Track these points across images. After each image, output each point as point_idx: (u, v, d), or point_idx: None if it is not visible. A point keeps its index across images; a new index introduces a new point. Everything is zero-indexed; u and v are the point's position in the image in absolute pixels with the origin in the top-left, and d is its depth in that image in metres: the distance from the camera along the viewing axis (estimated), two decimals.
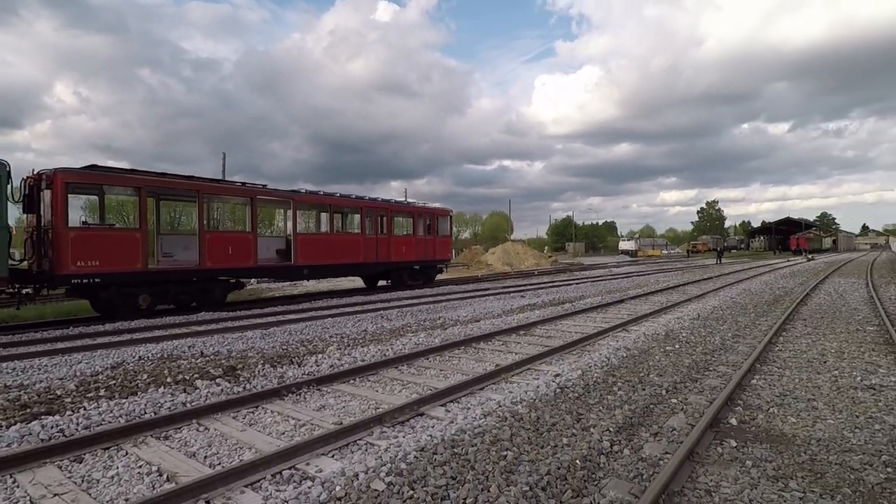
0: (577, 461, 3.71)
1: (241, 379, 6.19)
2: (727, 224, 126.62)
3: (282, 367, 6.75)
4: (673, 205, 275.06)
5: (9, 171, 9.83)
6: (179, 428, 4.62)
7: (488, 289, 18.68)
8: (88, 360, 7.25)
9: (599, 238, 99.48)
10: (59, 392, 5.65)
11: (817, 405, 5.03)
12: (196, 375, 6.31)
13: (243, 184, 14.75)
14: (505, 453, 3.80)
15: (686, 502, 3.24)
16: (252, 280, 18.87)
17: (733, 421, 4.62)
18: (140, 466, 3.83)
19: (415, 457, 3.71)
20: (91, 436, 4.23)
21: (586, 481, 3.47)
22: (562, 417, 4.60)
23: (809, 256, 53.18)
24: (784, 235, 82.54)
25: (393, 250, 18.75)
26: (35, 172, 10.78)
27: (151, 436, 4.41)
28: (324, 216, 17.96)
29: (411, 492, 3.23)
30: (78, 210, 12.24)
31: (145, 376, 6.31)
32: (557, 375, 6.04)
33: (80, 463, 3.91)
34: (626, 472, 3.61)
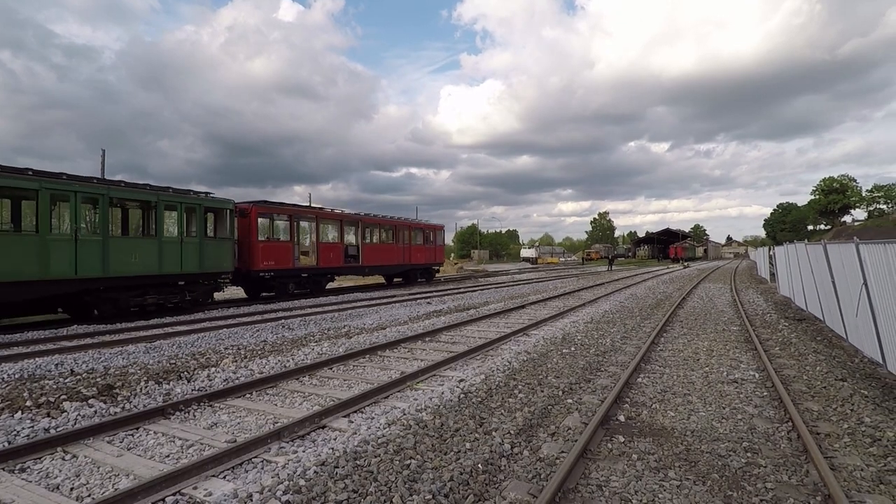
0: (480, 465, 3.78)
1: (119, 398, 5.60)
2: (617, 234, 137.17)
3: (168, 384, 6.20)
4: (569, 215, 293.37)
5: (234, 206, 15.64)
6: (40, 458, 4.06)
7: (395, 296, 18.61)
8: None
9: (503, 246, 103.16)
10: None
11: (692, 399, 5.57)
12: (63, 397, 5.60)
13: (333, 210, 21.53)
14: (409, 462, 3.77)
15: (580, 499, 3.41)
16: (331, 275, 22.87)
17: (622, 418, 4.97)
18: None
19: (315, 472, 3.57)
20: None
21: (488, 485, 3.54)
22: (465, 422, 4.67)
23: (685, 264, 59.11)
24: (665, 245, 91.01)
25: (413, 256, 26.05)
26: (236, 206, 15.90)
27: (3, 469, 3.83)
28: (376, 231, 23.80)
29: None
30: (262, 226, 17.20)
31: None
32: (462, 381, 6.14)
33: None
34: (526, 472, 3.74)
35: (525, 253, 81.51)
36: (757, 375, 6.59)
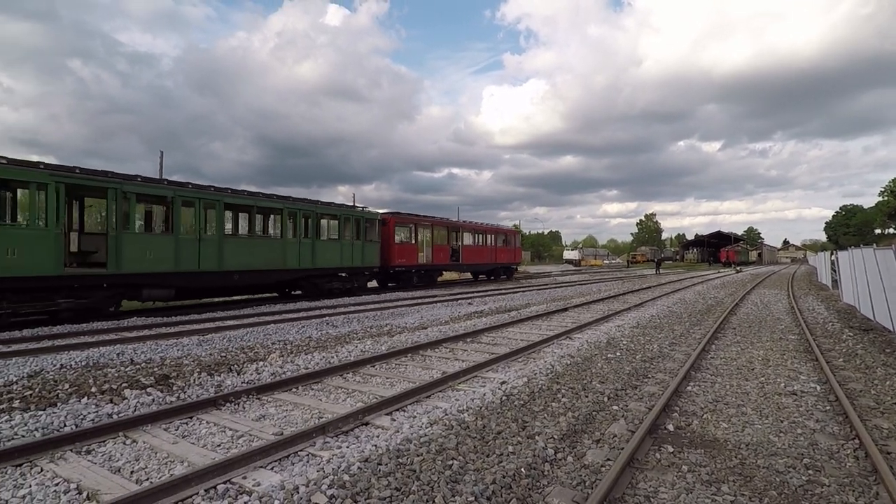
0: (522, 469, 3.73)
1: (174, 388, 5.86)
2: (664, 236, 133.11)
3: (220, 376, 6.44)
4: (614, 216, 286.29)
5: (380, 217, 20.95)
6: (104, 441, 4.30)
7: (436, 296, 18.68)
8: (1, 369, 6.64)
9: (545, 247, 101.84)
10: None
11: (746, 411, 5.32)
12: (125, 385, 5.91)
13: (442, 218, 26.76)
14: (451, 462, 3.77)
15: None
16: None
17: (670, 427, 4.80)
18: (57, 484, 3.52)
19: (358, 468, 3.61)
20: (0, 451, 3.85)
21: (531, 489, 3.49)
22: (507, 425, 4.63)
23: (738, 268, 56.64)
24: (715, 248, 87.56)
25: (498, 256, 30.79)
26: (380, 216, 21.03)
27: (71, 450, 4.08)
28: (471, 235, 28.32)
29: None
30: (399, 233, 22.39)
31: (67, 386, 5.84)
32: (503, 383, 6.09)
33: None
34: (570, 479, 3.66)
35: (568, 255, 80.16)
36: (818, 388, 6.22)
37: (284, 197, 16.55)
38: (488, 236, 29.86)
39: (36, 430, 4.46)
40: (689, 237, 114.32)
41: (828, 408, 5.45)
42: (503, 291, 20.89)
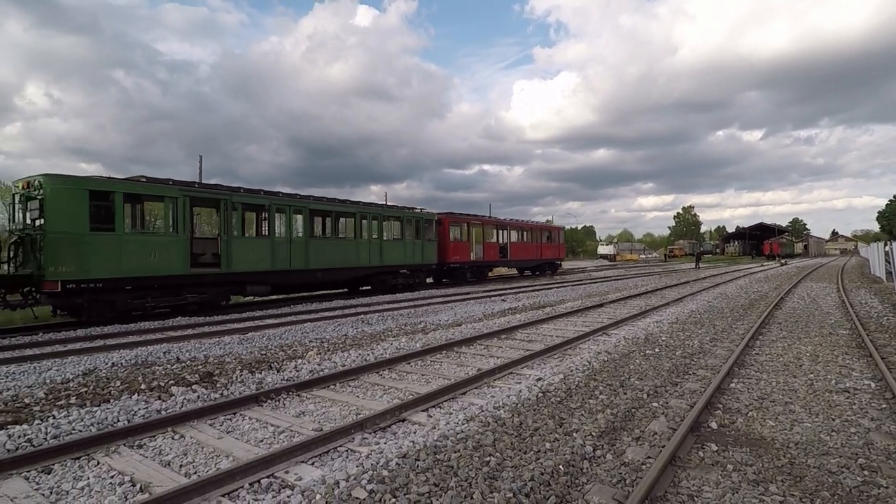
0: (561, 466, 3.70)
1: (218, 385, 6.06)
2: (703, 229, 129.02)
3: (260, 373, 6.62)
4: (650, 210, 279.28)
5: (437, 218, 22.55)
6: (154, 436, 4.49)
7: (469, 293, 18.68)
8: (59, 367, 7.01)
9: (579, 242, 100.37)
10: (27, 400, 5.45)
11: (794, 408, 5.12)
12: (171, 382, 6.15)
13: (491, 217, 28.53)
14: (488, 459, 3.77)
15: None
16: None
17: (713, 425, 4.67)
18: (112, 476, 3.70)
19: (397, 463, 3.65)
20: (60, 445, 4.07)
21: (570, 487, 3.46)
22: (544, 422, 4.59)
23: (782, 261, 54.49)
24: (758, 240, 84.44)
25: (543, 252, 32.00)
26: (437, 216, 22.68)
27: (125, 444, 4.27)
28: (518, 233, 29.52)
29: (393, 500, 3.18)
30: (454, 232, 24.11)
31: (118, 383, 6.12)
32: (539, 380, 6.05)
33: (49, 474, 3.76)
34: (610, 477, 3.61)
35: (602, 250, 78.90)
36: (873, 385, 5.93)
37: (356, 202, 18.69)
38: (535, 233, 31.40)
39: (91, 425, 4.69)
40: (730, 230, 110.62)
41: (883, 406, 5.19)
42: (537, 288, 20.71)
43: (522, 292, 18.70)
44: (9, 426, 4.62)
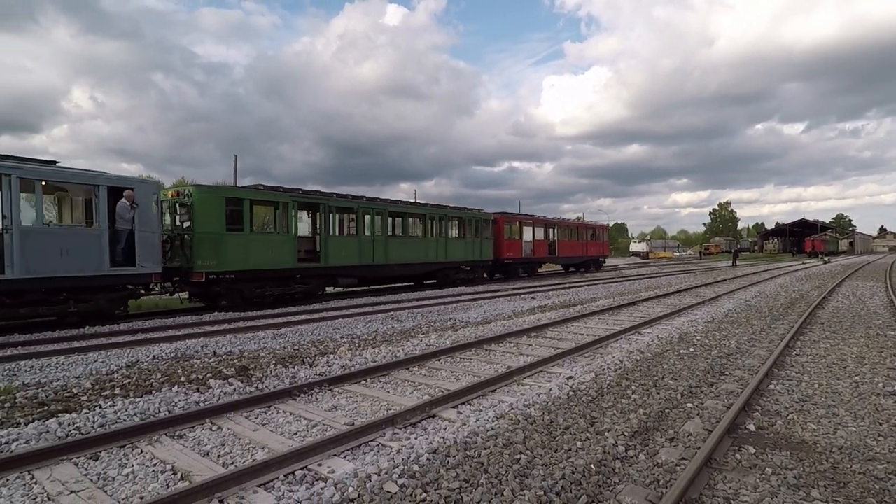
0: (592, 466, 3.66)
1: (253, 379, 6.22)
2: (740, 226, 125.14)
3: (293, 368, 6.77)
4: (685, 206, 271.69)
5: (493, 217, 24.30)
6: (193, 427, 4.64)
7: (498, 290, 18.62)
8: (104, 359, 7.32)
9: (610, 240, 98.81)
10: (75, 390, 5.71)
11: (838, 412, 4.93)
12: (209, 375, 6.34)
13: (541, 216, 29.42)
14: (518, 457, 3.76)
15: None
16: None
17: (751, 427, 4.54)
18: (155, 465, 3.85)
19: (427, 459, 3.69)
20: (107, 434, 4.26)
21: (601, 486, 3.42)
22: (575, 421, 4.56)
23: (825, 259, 52.36)
24: (799, 237, 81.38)
25: (588, 249, 33.23)
26: (493, 216, 24.55)
27: (165, 434, 4.43)
28: (565, 231, 30.94)
29: (424, 494, 3.21)
30: (507, 230, 25.60)
31: (159, 375, 6.35)
32: (570, 378, 5.99)
33: (97, 461, 3.94)
34: (643, 477, 3.55)
35: (635, 247, 77.40)
36: None
37: (424, 204, 21.25)
38: (579, 231, 32.77)
39: (135, 415, 4.89)
40: (769, 226, 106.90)
41: None
42: (567, 286, 20.49)
43: (552, 290, 18.53)
44: (59, 414, 4.85)
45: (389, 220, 18.78)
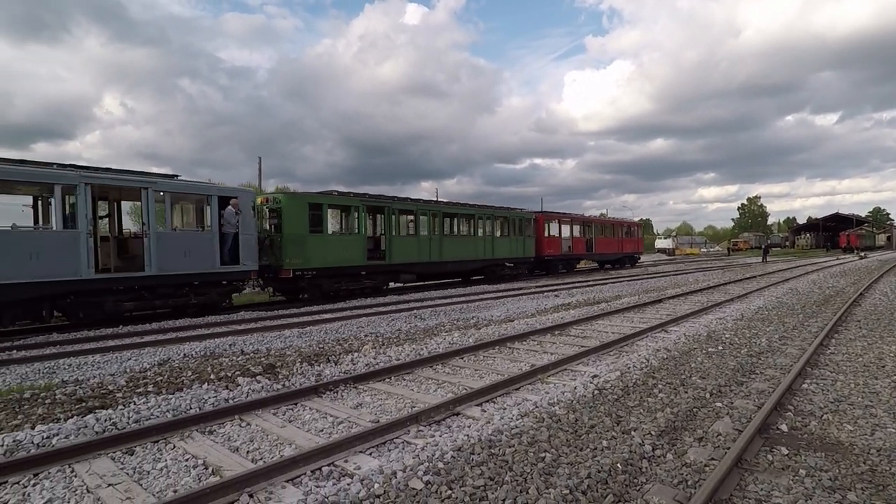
0: (618, 465, 3.62)
1: (280, 376, 6.33)
2: (770, 220, 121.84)
3: (319, 366, 6.86)
4: (712, 201, 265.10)
5: (535, 216, 25.72)
6: (223, 423, 4.75)
7: (521, 288, 18.53)
8: (137, 358, 7.55)
9: None
10: (111, 387, 5.90)
11: (876, 412, 4.77)
12: (237, 372, 6.48)
13: (580, 214, 31.26)
14: (543, 455, 3.75)
15: None
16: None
17: (784, 427, 4.43)
18: (187, 459, 3.96)
19: (452, 456, 3.70)
20: (141, 429, 4.39)
21: (628, 486, 3.39)
22: (601, 419, 4.51)
23: (861, 254, 50.56)
24: (833, 232, 78.72)
25: (623, 246, 34.33)
26: (534, 214, 25.99)
27: (197, 430, 4.55)
28: (601, 228, 31.82)
29: (449, 491, 3.22)
30: (547, 228, 26.69)
31: (190, 373, 6.52)
32: (595, 377, 5.93)
33: (132, 455, 4.07)
34: (670, 477, 3.50)
35: (660, 244, 75.93)
36: None
37: (472, 205, 22.24)
38: (615, 228, 33.78)
39: (167, 411, 5.02)
40: (801, 221, 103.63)
41: None
42: (591, 283, 20.26)
43: (576, 288, 18.35)
44: (96, 410, 5.02)
45: (444, 220, 20.18)
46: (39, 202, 11.42)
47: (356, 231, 16.42)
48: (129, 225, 14.20)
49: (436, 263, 19.26)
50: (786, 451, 3.93)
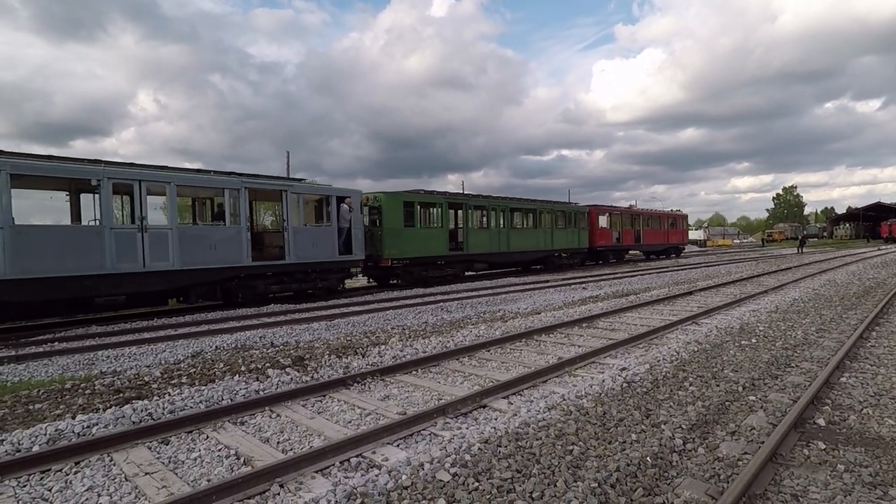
0: (648, 458, 3.57)
1: (308, 368, 6.43)
2: (807, 210, 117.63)
3: (347, 358, 6.94)
4: (745, 191, 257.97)
5: (588, 209, 27.73)
6: (254, 414, 4.86)
7: (548, 281, 18.37)
8: (171, 350, 7.77)
9: None
10: (146, 378, 6.10)
11: None
12: (267, 365, 6.61)
13: (629, 206, 35.28)
14: (571, 448, 3.72)
15: None
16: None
17: (821, 421, 4.29)
18: (220, 450, 4.06)
19: (479, 449, 3.70)
20: (176, 420, 4.52)
21: (658, 479, 3.33)
22: (630, 413, 4.45)
23: None
24: (874, 222, 75.48)
25: (669, 237, 35.71)
26: (587, 208, 27.52)
27: (229, 421, 4.66)
28: (648, 220, 33.25)
29: (476, 484, 3.22)
30: (599, 220, 28.33)
31: (222, 365, 6.68)
32: (624, 369, 5.85)
33: (167, 445, 4.20)
34: (702, 471, 3.43)
35: (692, 235, 74.24)
36: None
37: (534, 200, 24.19)
38: (661, 220, 35.13)
39: (200, 402, 5.16)
40: (840, 210, 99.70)
41: None
42: (619, 276, 19.96)
43: (604, 280, 18.11)
44: (133, 401, 5.20)
45: (511, 214, 22.18)
46: (206, 203, 14.27)
47: (440, 225, 18.73)
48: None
49: (504, 254, 21.36)
50: (823, 446, 3.80)
